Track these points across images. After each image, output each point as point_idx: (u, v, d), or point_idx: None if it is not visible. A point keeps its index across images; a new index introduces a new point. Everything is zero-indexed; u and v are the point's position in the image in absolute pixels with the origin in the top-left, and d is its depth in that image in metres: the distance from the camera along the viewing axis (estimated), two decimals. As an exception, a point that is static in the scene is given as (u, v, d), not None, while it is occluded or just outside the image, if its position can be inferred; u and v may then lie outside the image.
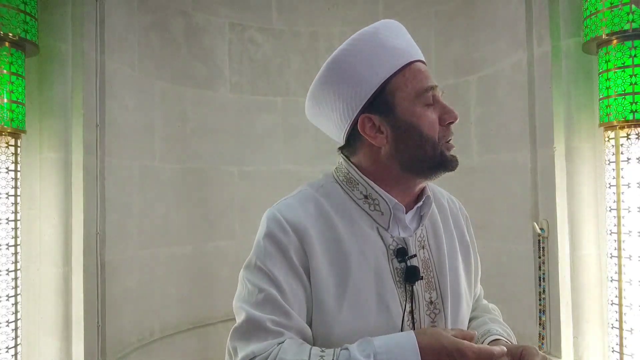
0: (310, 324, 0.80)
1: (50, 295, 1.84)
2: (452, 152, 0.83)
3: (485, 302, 1.05)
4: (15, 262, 1.71)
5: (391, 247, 0.84)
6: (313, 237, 0.81)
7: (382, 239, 0.84)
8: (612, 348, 1.72)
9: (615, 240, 1.70)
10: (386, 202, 0.84)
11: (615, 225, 1.70)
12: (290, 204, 0.85)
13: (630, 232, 1.66)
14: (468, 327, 0.93)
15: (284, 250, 0.80)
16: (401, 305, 0.81)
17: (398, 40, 0.83)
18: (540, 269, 1.96)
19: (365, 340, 0.73)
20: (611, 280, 1.72)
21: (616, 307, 1.69)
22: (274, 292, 0.78)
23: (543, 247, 1.95)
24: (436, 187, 1.00)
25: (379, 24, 0.85)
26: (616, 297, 1.69)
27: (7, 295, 1.68)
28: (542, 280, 1.95)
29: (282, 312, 0.77)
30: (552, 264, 1.91)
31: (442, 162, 0.82)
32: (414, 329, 0.81)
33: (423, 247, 0.87)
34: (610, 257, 1.73)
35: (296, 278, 0.79)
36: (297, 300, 0.79)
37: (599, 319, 1.82)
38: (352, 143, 0.88)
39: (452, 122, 0.83)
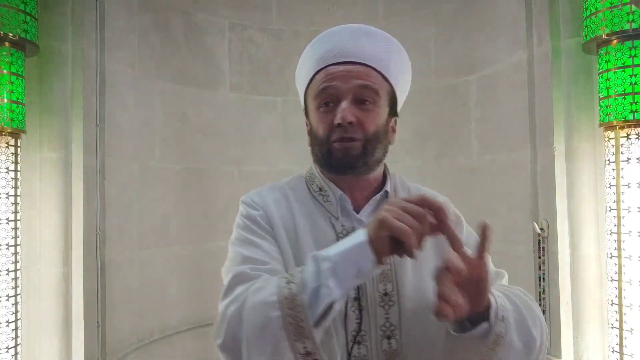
0: None
1: (50, 295, 1.84)
2: (342, 151, 0.89)
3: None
4: (15, 262, 1.71)
5: (340, 235, 0.91)
6: (276, 217, 0.92)
7: (333, 227, 0.92)
8: (612, 348, 1.72)
9: (615, 240, 1.70)
10: (333, 193, 0.95)
11: (615, 225, 1.70)
12: (259, 190, 1.01)
13: (630, 232, 1.66)
14: None
15: (254, 220, 0.92)
16: None
17: (320, 50, 0.94)
18: (540, 269, 1.96)
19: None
20: (611, 280, 1.72)
21: (616, 307, 1.69)
22: (252, 249, 0.87)
23: (543, 247, 1.95)
24: (422, 187, 1.04)
25: (319, 35, 0.97)
26: (616, 297, 1.69)
27: (7, 295, 1.68)
28: (542, 280, 1.95)
29: (261, 262, 0.85)
30: (552, 264, 1.91)
31: (329, 161, 0.91)
32: (362, 318, 0.86)
33: None
34: (610, 257, 1.73)
35: (271, 239, 0.90)
36: (274, 254, 0.88)
37: (599, 319, 1.82)
38: None
39: (340, 124, 0.87)
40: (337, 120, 0.87)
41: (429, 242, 0.93)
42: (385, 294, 0.88)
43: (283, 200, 0.97)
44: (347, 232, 0.90)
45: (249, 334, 0.72)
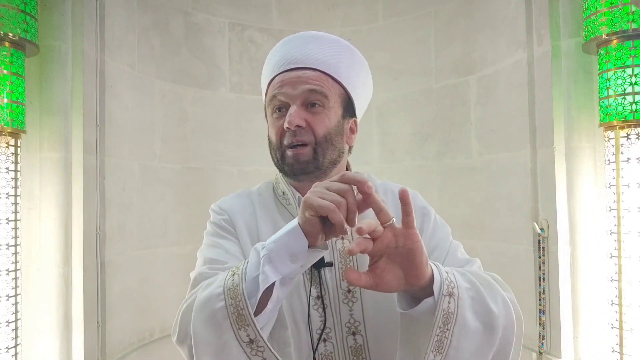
0: None
1: (50, 295, 1.84)
2: (293, 158, 0.92)
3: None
4: (15, 262, 1.71)
5: None
6: (240, 220, 0.97)
7: None
8: (612, 348, 1.72)
9: (615, 240, 1.70)
10: (292, 195, 0.99)
11: (615, 225, 1.70)
12: (227, 197, 1.07)
13: (630, 232, 1.66)
14: None
15: (218, 224, 0.97)
16: (305, 290, 0.88)
17: (273, 59, 1.00)
18: (540, 269, 1.96)
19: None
20: (611, 280, 1.72)
21: (616, 307, 1.69)
22: (215, 251, 0.91)
23: (543, 247, 1.95)
24: (390, 184, 1.05)
25: (277, 44, 1.03)
26: (616, 297, 1.69)
27: (7, 295, 1.68)
28: (542, 280, 1.95)
29: (219, 262, 0.87)
30: (552, 264, 1.91)
31: (283, 167, 0.95)
32: (325, 316, 0.88)
33: (342, 239, 0.93)
34: (610, 257, 1.73)
35: (233, 239, 0.94)
36: (237, 255, 0.91)
37: (599, 319, 1.82)
38: None
39: (289, 128, 0.90)
40: (285, 124, 0.90)
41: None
42: (349, 291, 0.90)
43: (249, 204, 1.02)
44: None
45: (197, 326, 0.74)
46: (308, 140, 0.91)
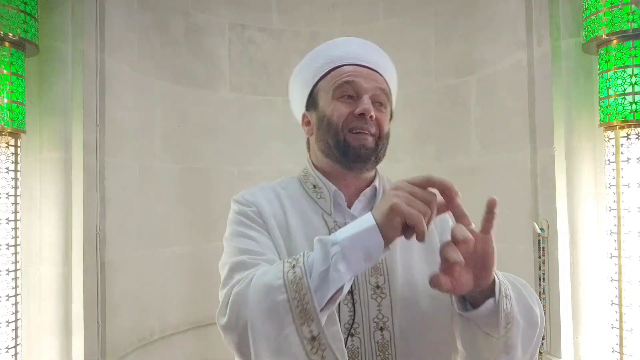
0: None
1: (50, 295, 1.84)
2: (360, 142, 0.92)
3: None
4: (15, 262, 1.71)
5: (333, 230, 0.93)
6: (267, 212, 0.95)
7: (325, 223, 0.95)
8: (612, 348, 1.72)
9: (615, 240, 1.70)
10: (327, 189, 0.97)
11: (615, 225, 1.70)
12: (251, 189, 1.04)
13: (630, 232, 1.66)
14: None
15: (247, 215, 0.94)
16: None
17: (334, 52, 0.99)
18: (540, 269, 1.96)
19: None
20: (611, 280, 1.72)
21: (616, 307, 1.69)
22: (248, 241, 0.89)
23: (543, 247, 1.95)
24: None
25: (328, 42, 1.03)
26: (616, 297, 1.69)
27: (7, 295, 1.68)
28: (542, 280, 1.95)
29: (257, 253, 0.86)
30: (552, 264, 1.91)
31: (345, 149, 0.93)
32: (354, 310, 0.88)
33: None
34: (610, 257, 1.73)
35: (264, 232, 0.92)
36: (270, 247, 0.89)
37: (599, 319, 1.82)
38: (307, 141, 1.07)
39: (363, 114, 0.91)
40: (360, 110, 0.91)
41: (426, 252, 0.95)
42: (377, 287, 0.90)
43: (275, 198, 0.99)
44: (340, 228, 0.90)
45: (255, 315, 0.72)
46: (374, 132, 0.93)
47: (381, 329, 0.88)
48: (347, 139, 0.93)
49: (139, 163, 2.27)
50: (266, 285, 0.73)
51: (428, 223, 0.68)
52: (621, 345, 1.67)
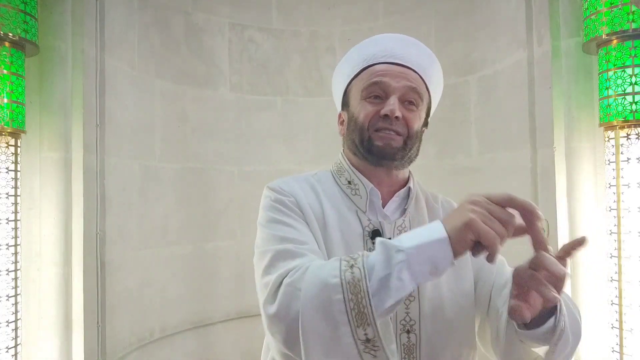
0: None
1: (50, 295, 1.84)
2: (385, 141, 0.92)
3: None
4: (15, 262, 1.71)
5: (367, 228, 0.92)
6: (304, 203, 0.92)
7: (359, 220, 0.93)
8: (612, 348, 1.72)
9: (615, 240, 1.70)
10: (364, 186, 0.95)
11: (615, 225, 1.70)
12: (286, 179, 1.01)
13: (630, 232, 1.66)
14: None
15: (285, 204, 0.91)
16: None
17: (371, 49, 0.98)
18: (540, 268, 1.96)
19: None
20: (611, 280, 1.72)
21: (616, 307, 1.70)
22: (287, 229, 0.86)
23: (543, 247, 1.95)
24: (438, 195, 1.07)
25: (369, 38, 1.01)
26: (616, 297, 1.69)
27: (7, 295, 1.68)
28: (542, 280, 1.95)
29: (300, 242, 0.84)
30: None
31: (369, 147, 0.93)
32: None
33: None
34: (610, 257, 1.73)
35: (303, 222, 0.90)
36: (311, 237, 0.87)
37: (599, 319, 1.82)
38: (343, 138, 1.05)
39: (387, 115, 0.91)
40: (385, 111, 0.91)
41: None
42: None
43: (310, 190, 0.97)
44: (373, 227, 0.92)
45: (307, 310, 0.70)
46: (401, 131, 0.92)
47: (408, 332, 0.88)
48: (372, 138, 0.92)
49: (139, 163, 2.27)
50: (322, 281, 0.70)
51: (501, 245, 0.65)
52: (621, 345, 1.68)
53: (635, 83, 1.63)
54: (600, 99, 1.75)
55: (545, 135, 1.96)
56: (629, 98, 1.64)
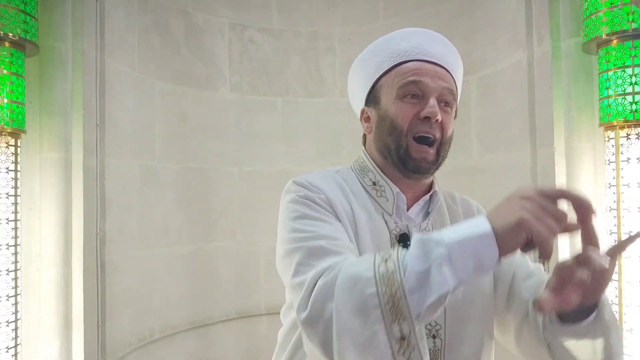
0: None
1: (50, 295, 1.84)
2: (423, 154, 0.87)
3: None
4: (15, 262, 1.71)
5: (394, 232, 0.89)
6: (335, 200, 0.87)
7: (386, 223, 0.90)
8: (612, 348, 1.72)
9: (615, 240, 1.70)
10: (391, 189, 0.91)
11: (615, 225, 1.70)
12: (312, 174, 0.94)
13: (630, 232, 1.66)
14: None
15: (314, 200, 0.85)
16: None
17: (402, 44, 0.92)
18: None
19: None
20: (611, 280, 1.72)
21: (616, 307, 1.69)
22: (319, 224, 0.81)
23: (543, 247, 1.95)
24: (455, 193, 1.04)
25: (394, 32, 0.95)
26: (616, 297, 1.69)
27: (7, 295, 1.68)
28: (542, 280, 1.95)
29: (333, 238, 0.78)
30: (552, 264, 1.90)
31: (406, 159, 0.88)
32: None
33: None
34: (610, 257, 1.73)
35: (335, 218, 0.85)
36: (343, 233, 0.82)
37: (599, 319, 1.81)
38: (364, 135, 1.00)
39: (429, 118, 0.86)
40: (426, 113, 0.86)
41: None
42: None
43: (337, 188, 0.91)
44: (400, 230, 0.89)
45: (340, 308, 0.66)
46: (437, 136, 0.88)
47: (433, 337, 0.85)
48: (409, 149, 0.87)
49: (139, 163, 2.27)
50: (355, 275, 0.66)
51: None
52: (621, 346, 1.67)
53: (635, 83, 1.63)
54: (600, 99, 1.75)
55: (545, 135, 1.96)
56: (629, 98, 1.64)
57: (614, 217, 1.70)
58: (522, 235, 0.61)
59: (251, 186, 2.62)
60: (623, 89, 1.65)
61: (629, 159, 1.67)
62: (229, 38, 2.63)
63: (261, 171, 2.66)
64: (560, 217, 0.62)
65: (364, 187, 0.93)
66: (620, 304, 1.68)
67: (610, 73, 1.68)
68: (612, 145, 1.71)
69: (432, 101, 0.87)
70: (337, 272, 0.69)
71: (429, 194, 0.95)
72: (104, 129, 2.02)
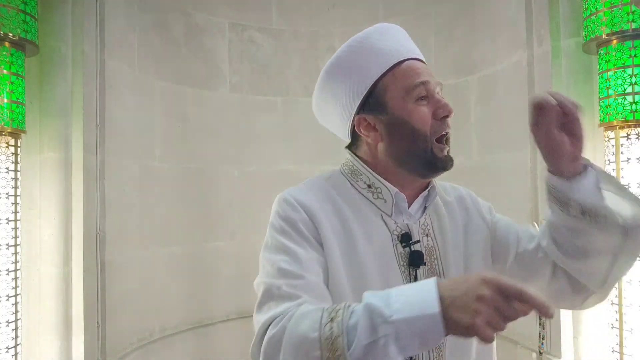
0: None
1: (50, 295, 1.84)
2: (445, 152, 0.86)
3: None
4: (15, 262, 1.71)
5: (395, 232, 0.87)
6: (322, 216, 0.84)
7: (386, 225, 0.87)
8: (612, 348, 1.72)
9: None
10: (388, 190, 0.88)
11: (615, 225, 1.70)
12: (300, 188, 0.91)
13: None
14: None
15: (293, 224, 0.83)
16: None
17: (387, 43, 0.88)
18: (540, 269, 1.96)
19: (383, 291, 0.70)
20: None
21: (616, 307, 1.69)
22: (287, 259, 0.80)
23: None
24: (445, 183, 1.02)
25: (372, 28, 0.90)
26: (616, 297, 1.69)
27: (7, 295, 1.68)
28: (542, 280, 1.95)
29: (295, 276, 0.78)
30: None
31: (433, 160, 0.85)
32: None
33: (427, 235, 0.89)
34: (610, 257, 1.73)
35: (309, 247, 0.82)
36: (312, 265, 0.81)
37: (599, 319, 1.82)
38: (354, 141, 0.94)
39: (447, 116, 0.85)
40: (445, 112, 0.85)
41: (464, 233, 0.94)
42: None
43: (327, 200, 0.88)
44: (401, 230, 0.87)
45: None
46: (450, 131, 0.87)
47: (439, 351, 0.84)
48: (434, 151, 0.85)
49: (139, 163, 2.27)
50: (301, 336, 0.68)
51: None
52: (621, 345, 1.67)
53: (635, 83, 1.63)
54: (600, 99, 1.75)
55: (545, 136, 1.96)
56: (629, 98, 1.64)
57: (614, 217, 1.70)
58: (469, 334, 0.62)
59: (251, 186, 2.62)
60: (623, 89, 1.65)
61: (629, 159, 1.67)
62: (229, 38, 2.63)
63: (261, 171, 2.66)
64: (513, 318, 0.62)
65: (358, 190, 0.91)
66: (620, 304, 1.68)
67: (610, 73, 1.68)
68: (612, 145, 1.71)
69: (443, 99, 0.86)
70: (285, 323, 0.71)
71: (427, 189, 0.93)
72: (104, 129, 2.02)
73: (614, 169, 1.70)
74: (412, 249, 0.86)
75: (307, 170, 2.63)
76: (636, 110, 1.63)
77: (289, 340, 0.69)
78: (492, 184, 2.26)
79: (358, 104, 0.89)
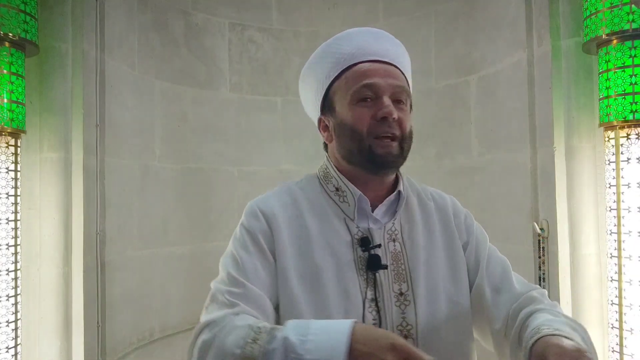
0: (278, 302, 0.87)
1: (50, 295, 1.84)
2: (388, 149, 0.88)
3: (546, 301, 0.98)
4: (15, 262, 1.71)
5: (356, 236, 0.90)
6: (281, 223, 0.90)
7: (348, 228, 0.91)
8: (612, 348, 1.72)
9: (615, 240, 1.70)
10: (352, 193, 0.92)
11: (615, 225, 1.70)
12: (267, 195, 0.98)
13: (630, 232, 1.66)
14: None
15: (253, 234, 0.90)
16: (361, 292, 0.86)
17: (347, 47, 0.92)
18: (540, 269, 1.96)
19: (305, 321, 0.76)
20: (611, 280, 1.72)
21: (616, 307, 1.69)
22: (237, 268, 0.87)
23: (543, 247, 1.95)
24: (428, 188, 1.04)
25: (342, 33, 0.95)
26: (616, 297, 1.69)
27: (7, 295, 1.68)
28: (542, 280, 1.95)
29: (240, 285, 0.84)
30: (552, 264, 1.91)
31: (371, 156, 0.88)
32: (379, 318, 0.86)
33: (394, 240, 0.92)
34: (610, 257, 1.73)
35: (261, 257, 0.88)
36: (259, 276, 0.86)
37: (599, 319, 1.82)
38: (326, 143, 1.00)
39: (386, 118, 0.87)
40: (383, 114, 0.86)
41: (440, 242, 0.95)
42: (401, 294, 0.88)
43: (291, 203, 0.94)
44: (362, 234, 0.90)
45: None
46: (397, 134, 0.88)
47: (405, 337, 0.86)
48: (372, 148, 0.87)
49: (139, 163, 2.27)
50: (226, 350, 0.74)
51: None
52: (621, 345, 1.67)
53: (635, 83, 1.63)
54: (600, 99, 1.75)
55: (545, 135, 1.96)
56: (629, 98, 1.64)
57: (614, 217, 1.70)
58: None
59: (251, 186, 2.62)
60: (623, 89, 1.65)
61: (629, 159, 1.67)
62: (229, 38, 2.63)
63: (261, 171, 2.66)
64: None
65: (328, 193, 0.95)
66: (620, 304, 1.68)
67: (610, 73, 1.68)
68: (612, 145, 1.71)
69: (387, 100, 0.87)
70: (217, 332, 0.78)
71: (393, 194, 0.95)
72: (104, 129, 2.02)
73: (614, 169, 1.70)
74: (371, 253, 0.88)
75: (307, 170, 2.58)
76: (636, 110, 1.63)
77: (216, 351, 0.76)
78: (492, 184, 2.26)
79: (319, 106, 0.96)
